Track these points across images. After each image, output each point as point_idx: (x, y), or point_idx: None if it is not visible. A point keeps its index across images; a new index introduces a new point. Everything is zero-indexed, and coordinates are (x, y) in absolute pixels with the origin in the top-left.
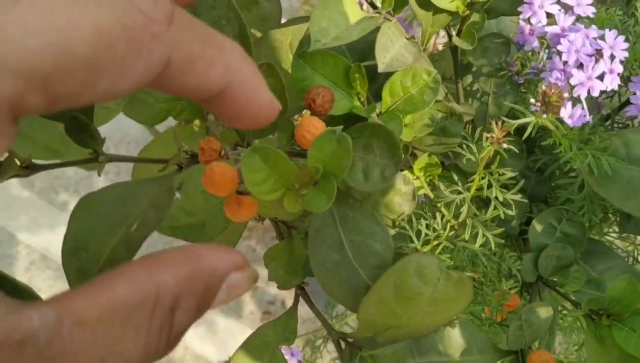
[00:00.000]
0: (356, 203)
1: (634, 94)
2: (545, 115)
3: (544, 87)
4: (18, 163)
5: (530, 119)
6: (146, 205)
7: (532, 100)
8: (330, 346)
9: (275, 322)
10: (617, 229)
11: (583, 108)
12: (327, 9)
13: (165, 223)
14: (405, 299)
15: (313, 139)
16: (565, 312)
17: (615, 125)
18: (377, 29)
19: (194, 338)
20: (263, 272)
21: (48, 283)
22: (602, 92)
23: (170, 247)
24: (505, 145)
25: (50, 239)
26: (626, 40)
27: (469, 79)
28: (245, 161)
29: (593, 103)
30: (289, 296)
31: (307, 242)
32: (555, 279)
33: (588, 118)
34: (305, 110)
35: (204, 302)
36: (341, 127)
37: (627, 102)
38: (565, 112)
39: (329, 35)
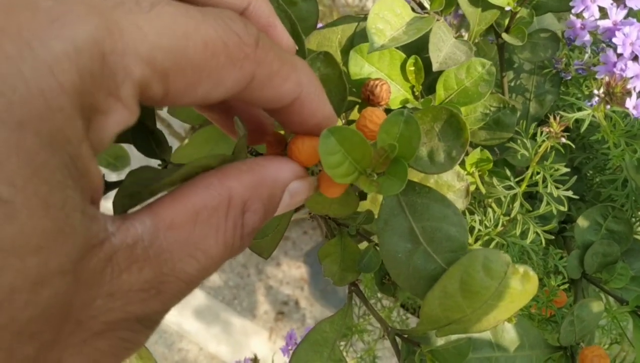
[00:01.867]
0: (423, 189)
1: None
2: (609, 106)
3: (607, 78)
4: None
5: (588, 111)
6: None
7: (595, 91)
8: (358, 345)
9: (332, 319)
10: None
11: (635, 101)
12: (382, 10)
13: None
14: (472, 293)
15: (376, 128)
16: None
17: None
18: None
19: (209, 339)
20: (277, 273)
21: None
22: None
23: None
24: (563, 140)
25: None
26: None
27: (510, 75)
28: (323, 142)
29: None
30: (301, 296)
31: (377, 236)
32: (599, 276)
33: (638, 113)
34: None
35: (270, 205)
36: (406, 110)
37: None
38: (631, 103)
39: (385, 36)
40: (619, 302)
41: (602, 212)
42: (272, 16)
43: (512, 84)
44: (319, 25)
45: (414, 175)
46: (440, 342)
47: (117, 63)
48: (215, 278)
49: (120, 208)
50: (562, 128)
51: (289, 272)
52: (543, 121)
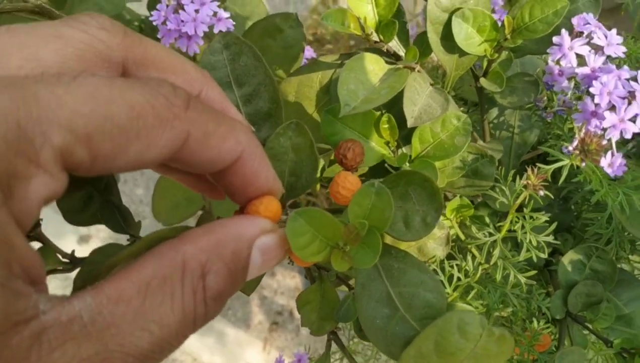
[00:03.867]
0: (400, 253)
1: None
2: (584, 163)
3: (582, 134)
4: (60, 257)
5: (566, 162)
6: None
7: (570, 148)
8: None
9: None
10: None
11: (612, 149)
12: (353, 70)
13: None
14: (446, 354)
15: (349, 194)
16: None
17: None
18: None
19: (202, 349)
20: (272, 283)
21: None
22: (634, 135)
23: None
24: (541, 193)
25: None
26: None
27: (495, 112)
28: (290, 225)
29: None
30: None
31: (355, 300)
32: (584, 314)
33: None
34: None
35: (235, 264)
36: (380, 180)
37: None
38: (605, 161)
39: (357, 97)
40: (605, 343)
41: (586, 252)
42: (225, 102)
43: (496, 121)
44: (307, 51)
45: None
46: None
47: (35, 130)
48: None
49: (80, 284)
50: (540, 180)
51: (284, 282)
52: (523, 163)
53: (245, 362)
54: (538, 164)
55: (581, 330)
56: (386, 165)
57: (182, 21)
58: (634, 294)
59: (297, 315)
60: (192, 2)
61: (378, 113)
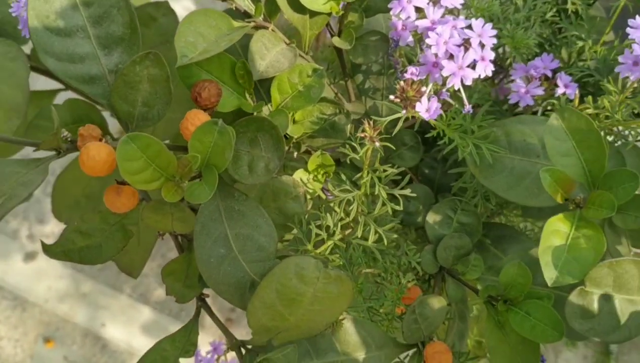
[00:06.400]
0: (242, 196)
1: (514, 81)
2: (404, 111)
3: (401, 83)
4: None
5: (400, 114)
6: (16, 182)
7: (391, 97)
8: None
9: (174, 336)
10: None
11: (462, 99)
12: (193, 23)
13: (59, 247)
14: (289, 300)
15: None
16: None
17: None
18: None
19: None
20: None
21: (5, 314)
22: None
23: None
24: (377, 143)
25: (5, 269)
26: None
27: (360, 77)
28: (120, 148)
29: (498, 89)
30: None
31: (193, 239)
32: (456, 268)
33: (468, 108)
34: None
35: None
36: (220, 120)
37: None
38: (422, 107)
39: (195, 49)
40: (476, 293)
41: (451, 206)
42: None
43: (362, 86)
44: None
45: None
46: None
47: None
48: (159, 293)
49: None
50: (377, 131)
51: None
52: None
53: None
54: (373, 117)
55: (455, 283)
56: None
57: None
58: (520, 248)
59: None
60: None
61: (233, 60)
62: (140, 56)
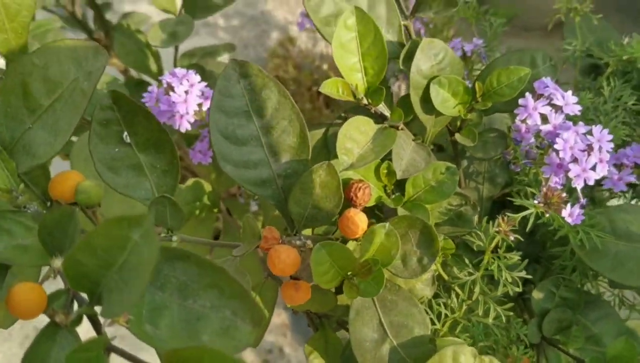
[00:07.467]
0: (394, 287)
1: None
2: (548, 214)
3: (544, 189)
4: None
5: (532, 210)
6: None
7: (535, 201)
8: None
9: None
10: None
11: (579, 196)
12: (349, 130)
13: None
14: None
15: (357, 230)
16: None
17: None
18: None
19: None
20: None
21: None
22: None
23: None
24: (512, 237)
25: None
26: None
27: (464, 162)
28: (315, 255)
29: None
30: (285, 343)
31: (348, 326)
32: (557, 338)
33: (584, 201)
34: None
35: None
36: (387, 223)
37: None
38: (566, 212)
39: (353, 155)
40: (577, 361)
41: (555, 283)
42: None
43: (468, 170)
44: None
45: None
46: None
47: None
48: None
49: None
50: (510, 226)
51: (270, 320)
52: (494, 204)
53: None
54: (507, 213)
55: (556, 352)
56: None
57: (174, 102)
58: (600, 314)
59: (286, 351)
60: (181, 84)
61: (379, 161)
62: (316, 167)
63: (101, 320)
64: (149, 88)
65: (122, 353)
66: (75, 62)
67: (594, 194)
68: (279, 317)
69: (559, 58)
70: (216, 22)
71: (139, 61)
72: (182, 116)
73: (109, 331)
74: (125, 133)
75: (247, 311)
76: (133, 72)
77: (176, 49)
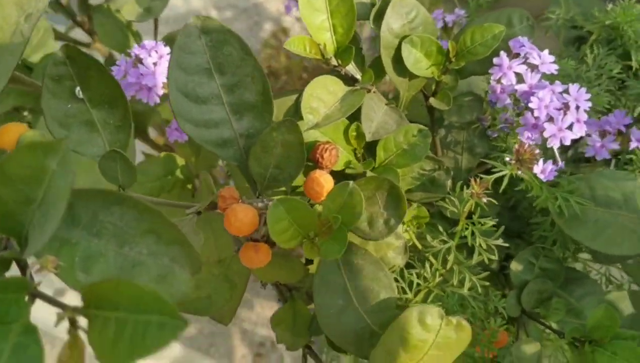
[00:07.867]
0: (360, 250)
1: (590, 136)
2: (520, 171)
3: (517, 146)
4: None
5: (506, 171)
6: None
7: (507, 158)
8: None
9: None
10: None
11: (555, 156)
12: (315, 89)
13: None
14: (412, 347)
15: (322, 191)
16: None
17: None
18: None
19: None
20: (251, 315)
21: None
22: (573, 141)
23: None
24: (485, 199)
25: None
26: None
27: (442, 131)
28: (272, 211)
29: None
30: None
31: (313, 291)
32: (538, 311)
33: (561, 165)
34: None
35: None
36: (352, 181)
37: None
38: (538, 168)
39: (319, 114)
40: (558, 335)
41: (534, 253)
42: None
43: (446, 139)
44: None
45: (354, 237)
46: None
47: None
48: (189, 329)
49: None
50: (483, 188)
51: (263, 313)
52: (474, 173)
53: None
54: (480, 175)
55: (536, 326)
56: (346, 171)
57: (142, 74)
58: (585, 290)
59: (279, 345)
60: (150, 55)
61: (347, 122)
62: (277, 123)
63: (31, 268)
64: (117, 61)
65: (49, 300)
66: (18, 6)
67: (581, 170)
68: (271, 311)
69: (541, 27)
70: (209, 13)
71: (119, 42)
72: (150, 88)
73: (37, 278)
74: (78, 88)
75: (186, 258)
76: (117, 57)
77: (156, 28)
